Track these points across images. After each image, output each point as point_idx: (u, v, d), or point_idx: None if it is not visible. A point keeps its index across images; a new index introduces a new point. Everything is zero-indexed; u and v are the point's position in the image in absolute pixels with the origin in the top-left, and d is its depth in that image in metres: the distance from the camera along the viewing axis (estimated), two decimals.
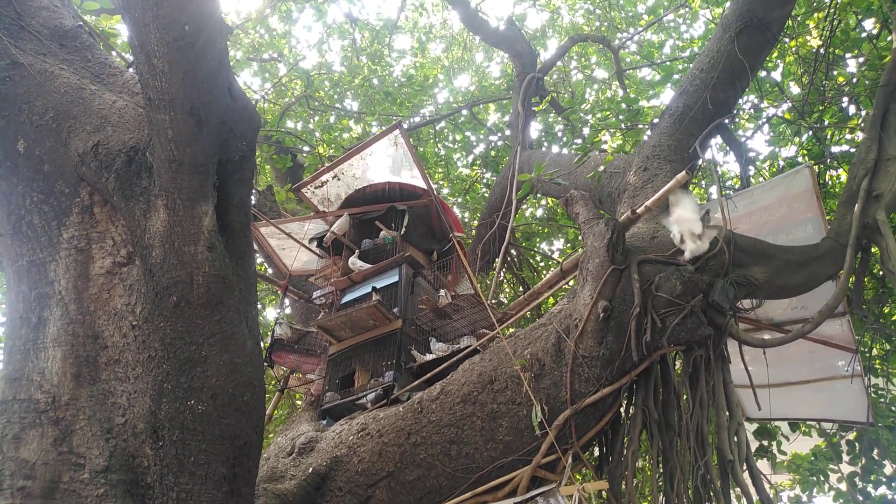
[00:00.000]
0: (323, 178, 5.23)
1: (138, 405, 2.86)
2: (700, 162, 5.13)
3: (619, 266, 3.70)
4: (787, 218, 5.11)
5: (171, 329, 2.84)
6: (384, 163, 5.18)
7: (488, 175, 11.73)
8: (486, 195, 11.50)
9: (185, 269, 2.85)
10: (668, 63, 10.33)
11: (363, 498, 3.59)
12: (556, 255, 10.97)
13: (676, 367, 4.27)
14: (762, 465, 7.57)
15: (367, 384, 4.37)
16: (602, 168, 5.44)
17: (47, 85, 3.32)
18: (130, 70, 3.88)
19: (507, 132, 11.33)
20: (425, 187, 5.26)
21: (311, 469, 3.72)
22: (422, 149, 11.64)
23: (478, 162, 11.71)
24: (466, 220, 11.37)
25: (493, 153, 11.26)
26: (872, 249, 4.57)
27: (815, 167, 7.18)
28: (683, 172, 3.68)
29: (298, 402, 8.26)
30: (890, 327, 7.25)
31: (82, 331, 2.92)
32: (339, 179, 5.29)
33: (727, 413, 3.97)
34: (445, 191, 11.73)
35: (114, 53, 4.84)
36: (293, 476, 3.72)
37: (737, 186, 7.83)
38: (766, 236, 5.04)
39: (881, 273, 6.13)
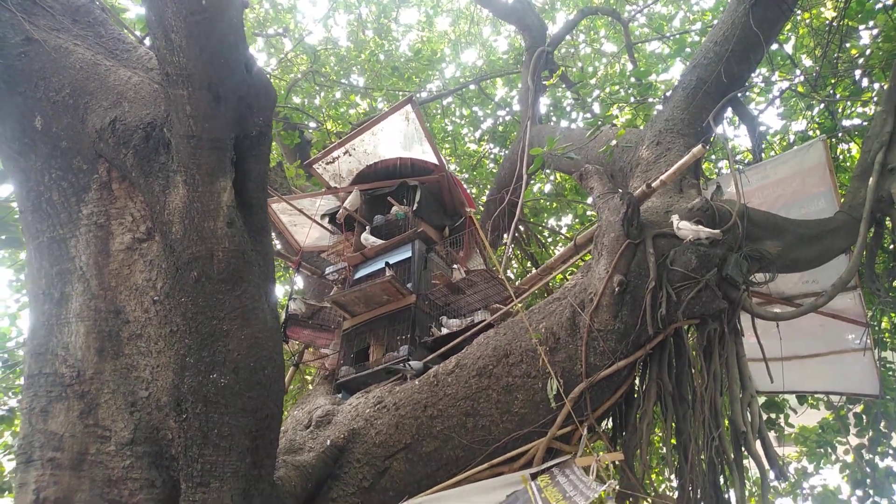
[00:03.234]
0: (334, 154, 5.23)
1: (161, 379, 2.90)
2: (713, 136, 5.10)
3: (635, 240, 3.71)
4: (799, 192, 5.10)
5: (192, 304, 2.86)
6: (396, 138, 5.16)
7: (496, 150, 11.68)
8: (494, 170, 11.48)
9: (205, 245, 2.87)
10: (678, 36, 10.23)
11: (381, 469, 3.64)
12: (563, 231, 10.96)
13: (690, 341, 4.29)
14: (770, 437, 7.64)
15: (382, 358, 4.41)
16: (614, 142, 5.42)
17: (62, 61, 3.31)
18: (144, 45, 3.86)
19: (516, 107, 11.27)
20: (437, 163, 5.25)
21: (328, 441, 3.77)
22: (429, 124, 11.57)
23: (485, 137, 11.65)
24: (474, 195, 11.35)
25: (500, 128, 11.20)
26: (886, 223, 4.57)
27: (828, 141, 7.15)
28: (700, 146, 3.68)
29: (308, 377, 8.34)
30: None
31: (104, 306, 2.95)
32: (350, 155, 5.28)
33: (740, 386, 4.01)
34: (453, 166, 11.69)
35: (124, 30, 4.81)
36: (311, 448, 3.77)
37: (748, 160, 7.79)
38: (779, 210, 5.04)
39: (892, 247, 6.12)
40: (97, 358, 2.86)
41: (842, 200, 4.82)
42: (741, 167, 4.96)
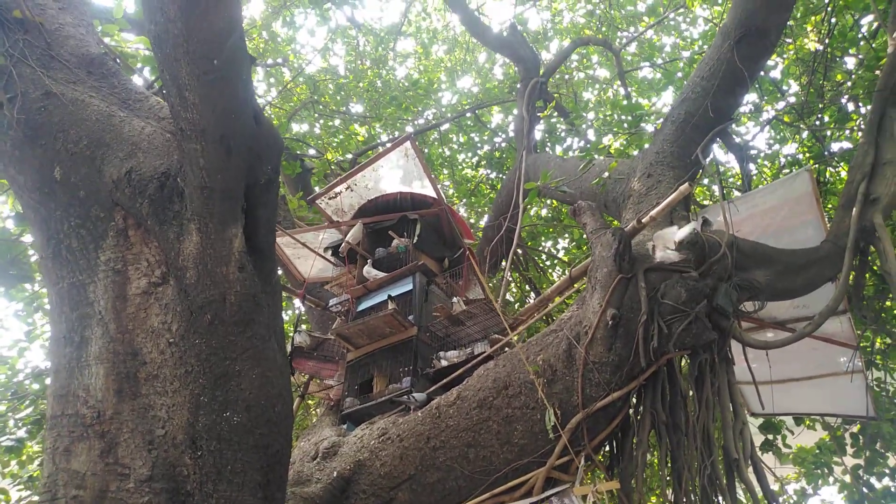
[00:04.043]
0: (336, 190, 5.41)
1: (177, 417, 3.03)
2: (702, 169, 5.28)
3: (627, 275, 3.87)
4: (788, 220, 5.26)
5: (206, 345, 3.02)
6: (396, 173, 5.35)
7: (493, 175, 11.89)
8: (491, 196, 11.68)
9: (218, 289, 3.03)
10: (669, 62, 10.49)
11: (386, 500, 3.77)
12: (560, 254, 11.14)
13: (683, 369, 4.44)
14: (768, 458, 7.79)
15: (385, 389, 4.55)
16: (606, 174, 5.60)
17: (79, 113, 3.48)
18: (155, 96, 4.04)
19: (511, 133, 11.50)
20: (436, 196, 5.42)
21: (335, 473, 3.90)
22: (427, 150, 11.80)
23: (482, 163, 11.87)
24: (472, 220, 11.54)
25: (497, 154, 11.42)
26: (871, 251, 4.73)
27: (816, 167, 7.33)
28: (686, 185, 3.85)
29: (310, 403, 8.46)
30: (891, 322, 7.40)
31: (122, 348, 3.09)
32: (351, 190, 5.47)
33: (732, 413, 4.15)
34: (451, 191, 11.90)
35: (136, 77, 5.00)
36: (318, 480, 3.90)
37: (739, 184, 7.99)
38: (768, 238, 5.21)
39: (879, 272, 6.28)
40: (116, 398, 3.00)
41: (828, 227, 4.98)
42: (730, 200, 5.13)
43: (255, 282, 3.14)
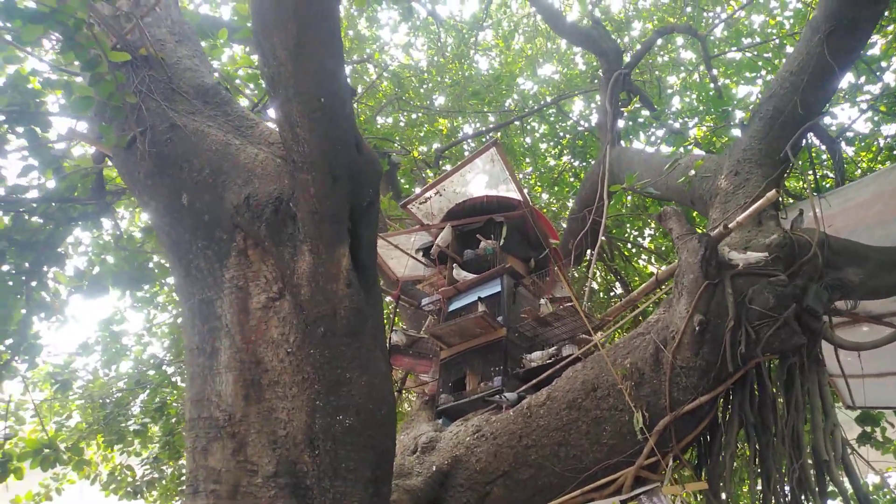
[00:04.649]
0: (426, 195, 5.68)
1: (296, 420, 3.38)
2: (791, 166, 5.22)
3: (713, 280, 3.94)
4: (883, 213, 5.14)
5: (319, 355, 3.35)
6: (482, 178, 5.56)
7: (576, 164, 11.91)
8: (574, 184, 11.72)
9: (329, 305, 3.36)
10: (759, 44, 10.18)
11: (482, 494, 4.03)
12: (646, 242, 11.08)
13: (773, 370, 4.48)
14: (866, 451, 7.63)
15: (478, 387, 4.81)
16: (693, 172, 5.62)
17: (201, 144, 3.87)
18: (259, 117, 4.40)
19: (593, 122, 11.48)
20: (521, 199, 5.61)
21: (434, 467, 4.20)
22: (508, 139, 11.95)
23: (565, 151, 11.90)
24: (555, 210, 11.64)
25: (580, 143, 11.43)
26: None
27: None
28: (773, 191, 3.88)
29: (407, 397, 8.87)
30: None
31: (247, 357, 3.47)
32: (440, 195, 5.73)
33: (823, 414, 4.17)
34: (533, 181, 12.02)
35: (244, 101, 5.43)
36: (419, 473, 4.20)
37: (832, 177, 7.74)
38: (861, 232, 5.13)
39: None
40: (244, 403, 3.38)
41: None
42: (822, 194, 5.06)
43: (360, 296, 3.45)
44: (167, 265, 6.78)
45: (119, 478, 8.56)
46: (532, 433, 4.08)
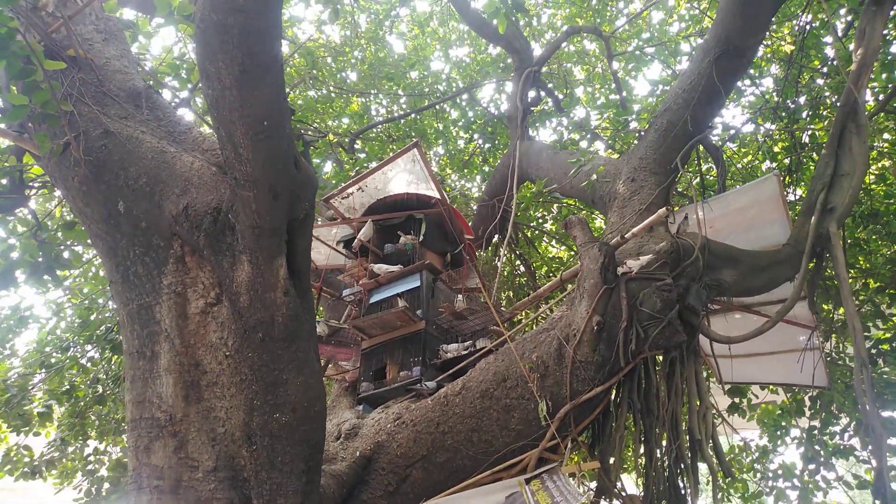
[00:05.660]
0: (349, 191, 5.93)
1: (234, 418, 3.65)
2: (680, 175, 5.83)
3: (610, 285, 4.47)
4: (757, 217, 5.85)
5: (257, 358, 3.60)
6: (403, 177, 5.87)
7: (486, 147, 12.36)
8: (483, 167, 12.20)
9: (267, 312, 3.61)
10: (659, 44, 10.92)
11: (402, 476, 4.43)
12: (548, 226, 11.74)
13: (657, 361, 5.10)
14: (735, 419, 8.69)
15: (398, 377, 5.19)
16: (594, 177, 6.17)
17: (136, 151, 3.97)
18: (187, 120, 4.50)
19: (503, 108, 11.95)
20: (439, 196, 5.96)
21: (357, 452, 4.55)
22: (420, 124, 12.25)
23: (475, 136, 12.33)
24: (466, 191, 12.10)
25: (489, 129, 11.88)
26: (826, 255, 5.34)
27: (789, 159, 7.91)
28: (664, 209, 4.43)
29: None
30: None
31: (186, 360, 3.68)
32: (362, 191, 5.99)
33: (698, 399, 4.83)
34: (444, 163, 12.40)
35: (167, 94, 5.43)
36: (343, 458, 4.55)
37: (715, 184, 8.57)
38: (739, 234, 5.84)
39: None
40: (184, 403, 3.61)
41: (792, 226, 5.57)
42: (706, 200, 5.72)
43: (297, 302, 3.71)
44: (81, 252, 6.70)
45: (15, 458, 8.25)
46: (448, 420, 4.51)
